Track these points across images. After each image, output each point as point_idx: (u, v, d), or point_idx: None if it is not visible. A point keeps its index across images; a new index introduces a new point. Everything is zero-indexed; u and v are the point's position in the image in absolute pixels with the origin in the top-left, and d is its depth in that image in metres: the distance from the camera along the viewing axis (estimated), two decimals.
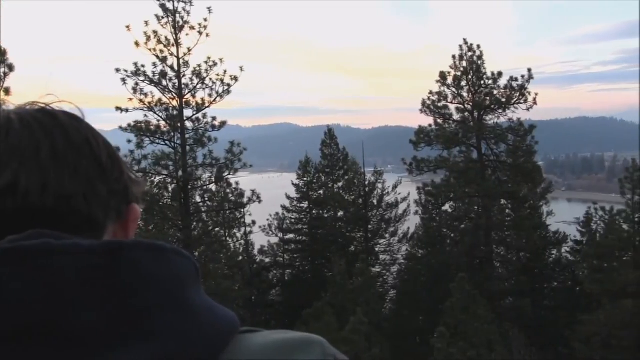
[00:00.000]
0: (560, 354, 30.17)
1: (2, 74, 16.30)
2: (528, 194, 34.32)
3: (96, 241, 0.90)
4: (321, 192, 41.09)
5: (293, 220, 40.87)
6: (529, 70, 34.00)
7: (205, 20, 25.52)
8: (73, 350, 0.81)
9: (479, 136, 34.23)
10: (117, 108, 25.40)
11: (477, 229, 35.03)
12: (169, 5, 25.41)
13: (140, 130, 25.63)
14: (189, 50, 25.91)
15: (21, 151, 0.98)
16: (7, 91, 16.36)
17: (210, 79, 26.20)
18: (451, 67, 34.63)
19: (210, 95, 26.34)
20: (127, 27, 24.74)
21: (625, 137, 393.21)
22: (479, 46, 34.42)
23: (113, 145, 1.13)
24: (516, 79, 33.77)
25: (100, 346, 0.82)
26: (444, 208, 36.90)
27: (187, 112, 26.60)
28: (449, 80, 34.54)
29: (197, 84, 26.20)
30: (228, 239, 32.53)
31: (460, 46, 34.54)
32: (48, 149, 1.00)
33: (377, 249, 41.38)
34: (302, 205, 41.03)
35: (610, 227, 30.86)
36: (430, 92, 34.86)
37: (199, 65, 26.06)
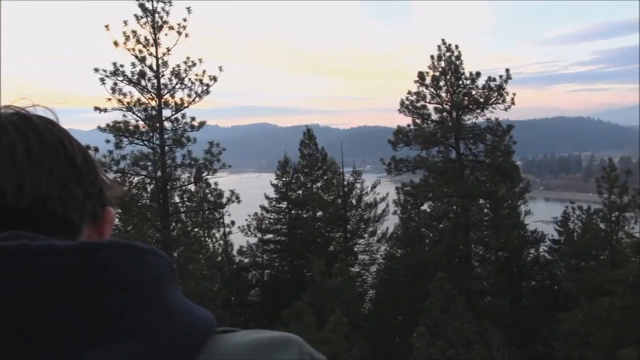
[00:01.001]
0: (539, 352, 30.33)
1: None
2: (506, 194, 34.46)
3: (72, 242, 0.90)
4: (300, 192, 41.06)
5: (272, 221, 40.84)
6: (507, 70, 34.12)
7: (185, 20, 25.42)
8: (51, 350, 0.82)
9: (457, 136, 34.31)
10: (96, 108, 25.27)
11: (455, 228, 35.11)
12: (148, 5, 25.30)
13: (119, 130, 25.50)
14: (168, 50, 25.79)
15: None
16: None
17: (189, 79, 26.10)
18: (430, 68, 34.72)
19: (189, 96, 26.24)
20: (106, 26, 24.63)
21: (602, 137, 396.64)
22: (457, 46, 34.55)
23: (92, 145, 1.15)
24: (494, 79, 33.88)
25: (79, 346, 0.83)
26: (422, 208, 36.96)
27: (166, 112, 26.49)
28: (428, 80, 34.63)
29: (176, 84, 26.08)
30: (207, 239, 32.41)
31: (439, 46, 34.62)
32: (23, 152, 1.00)
33: (356, 249, 41.42)
34: (281, 205, 41.01)
35: (588, 226, 31.11)
36: (409, 92, 34.95)
37: (178, 66, 25.94)
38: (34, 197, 0.98)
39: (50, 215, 1.00)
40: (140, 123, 26.22)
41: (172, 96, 26.30)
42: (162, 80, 25.97)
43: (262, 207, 40.80)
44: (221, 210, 30.61)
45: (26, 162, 0.99)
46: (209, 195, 28.47)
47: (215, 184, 28.24)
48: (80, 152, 1.09)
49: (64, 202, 1.02)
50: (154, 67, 25.77)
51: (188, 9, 25.51)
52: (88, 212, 1.07)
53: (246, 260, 40.18)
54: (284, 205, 40.87)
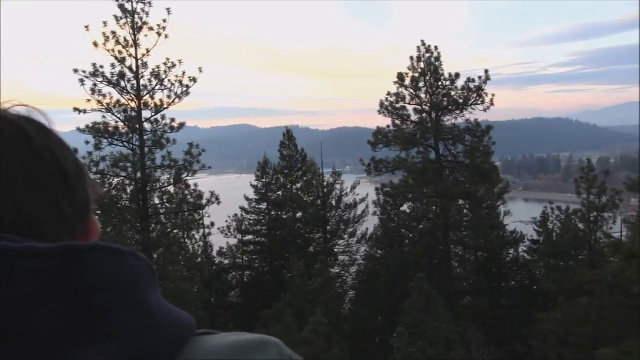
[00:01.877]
0: (518, 351, 30.46)
1: None
2: (485, 194, 34.60)
3: (53, 244, 0.89)
4: (280, 193, 40.98)
5: (252, 222, 40.72)
6: (486, 71, 34.33)
7: (164, 21, 25.38)
8: (33, 352, 0.82)
9: (437, 137, 34.42)
10: (75, 109, 25.13)
11: (435, 229, 35.22)
12: (128, 6, 25.24)
13: (98, 131, 25.40)
14: (148, 51, 25.73)
15: None
16: None
17: (169, 80, 26.05)
18: (409, 69, 34.83)
19: (169, 97, 26.19)
20: (86, 27, 24.54)
21: (581, 137, 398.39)
22: (436, 48, 34.69)
23: (71, 147, 1.13)
24: (473, 80, 34.05)
25: (60, 348, 0.83)
26: (402, 208, 37.06)
27: (146, 114, 26.42)
28: (407, 81, 34.75)
29: (156, 85, 26.02)
30: (187, 240, 32.33)
31: (418, 48, 34.75)
32: (19, 171, 0.96)
33: (336, 250, 41.37)
34: (260, 206, 40.90)
35: (566, 226, 31.27)
36: (388, 93, 35.05)
37: (158, 67, 25.87)
38: (27, 220, 0.96)
39: (41, 237, 0.95)
40: (120, 124, 26.17)
41: (152, 97, 26.26)
42: (141, 82, 25.91)
43: (242, 209, 40.68)
44: (201, 212, 30.56)
45: (22, 183, 0.96)
46: (189, 197, 28.40)
47: (195, 185, 28.20)
48: (72, 164, 1.06)
49: (55, 223, 1.00)
50: (134, 68, 25.70)
51: (168, 9, 25.46)
52: (76, 228, 1.05)
53: (226, 262, 40.07)
54: (263, 206, 40.76)
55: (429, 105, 34.61)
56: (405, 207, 37.04)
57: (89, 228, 1.09)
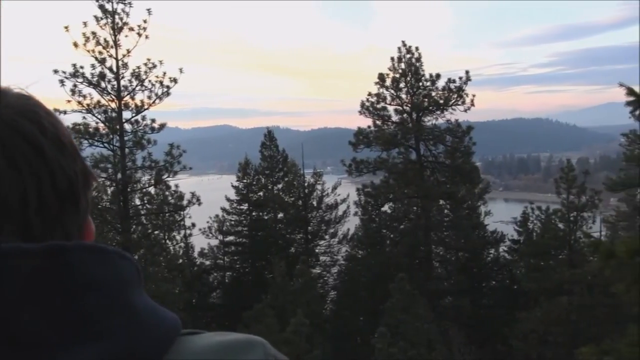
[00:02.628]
0: (499, 351, 30.57)
1: None
2: (466, 195, 34.69)
3: (38, 244, 0.88)
4: (261, 194, 40.92)
5: (233, 222, 40.63)
6: (467, 72, 34.36)
7: (145, 21, 25.24)
8: (18, 352, 0.81)
9: (418, 137, 34.46)
10: (55, 110, 24.72)
11: (416, 229, 35.26)
12: (108, 6, 25.11)
13: (78, 132, 25.20)
14: (128, 51, 25.59)
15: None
16: None
17: (150, 80, 25.90)
18: (390, 69, 34.82)
19: (149, 97, 26.04)
20: (66, 27, 24.41)
21: (561, 138, 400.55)
22: (417, 48, 34.70)
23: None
24: (454, 81, 34.12)
25: (45, 349, 0.82)
26: (383, 209, 37.04)
27: (126, 114, 26.26)
28: (388, 82, 34.76)
29: (136, 85, 25.88)
30: (168, 241, 32.15)
31: (399, 48, 34.74)
32: (34, 196, 0.93)
33: (317, 250, 41.39)
34: (241, 207, 40.83)
35: (546, 226, 31.43)
36: (369, 94, 35.05)
37: (138, 67, 25.73)
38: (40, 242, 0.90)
39: (32, 238, 0.93)
40: (100, 125, 26.00)
41: (133, 98, 26.11)
42: (122, 82, 25.76)
43: (223, 209, 40.59)
44: (182, 213, 30.53)
45: (37, 215, 0.93)
46: (170, 198, 28.36)
47: (176, 186, 28.17)
48: (82, 172, 1.05)
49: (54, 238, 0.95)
50: (114, 69, 25.55)
51: (148, 10, 25.34)
52: (74, 235, 1.02)
53: (207, 263, 40.00)
54: (245, 207, 40.69)
55: (409, 105, 34.63)
56: (386, 208, 37.03)
57: (85, 229, 1.07)
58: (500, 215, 50.40)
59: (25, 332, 0.82)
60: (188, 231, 34.79)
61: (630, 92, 10.89)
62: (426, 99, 34.40)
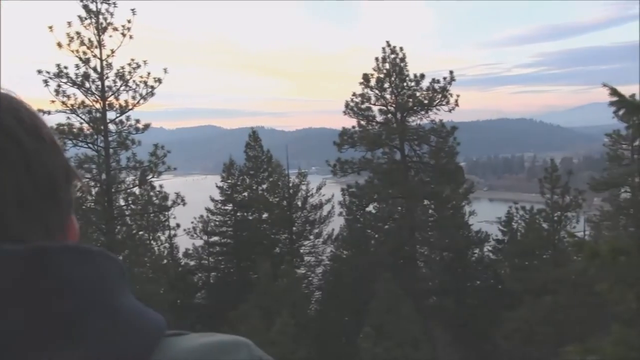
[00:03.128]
0: (484, 350, 30.68)
1: None
2: (450, 195, 34.69)
3: (20, 246, 0.86)
4: (245, 194, 40.82)
5: (217, 223, 40.53)
6: (451, 72, 34.34)
7: (129, 21, 25.20)
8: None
9: (402, 137, 34.47)
10: (39, 110, 24.70)
11: (400, 229, 35.27)
12: (92, 7, 25.04)
13: (62, 132, 25.08)
14: (112, 52, 25.53)
15: None
16: None
17: (134, 81, 25.88)
18: (374, 70, 34.80)
19: (133, 98, 26.02)
20: (50, 27, 24.32)
21: (545, 138, 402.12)
22: (401, 49, 34.68)
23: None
24: (438, 81, 34.10)
25: (26, 351, 0.81)
26: (367, 209, 37.04)
27: (111, 115, 26.22)
28: (372, 82, 34.72)
29: (121, 86, 25.84)
30: (152, 242, 32.08)
31: (383, 49, 34.71)
32: (13, 192, 0.90)
33: (301, 251, 41.28)
34: (226, 207, 40.73)
35: (531, 226, 31.59)
36: (354, 94, 35.01)
37: (123, 67, 25.69)
38: (16, 241, 0.89)
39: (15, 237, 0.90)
40: (85, 125, 25.94)
41: (117, 98, 26.07)
42: (106, 82, 25.72)
43: (208, 210, 40.49)
44: (166, 213, 30.49)
45: (16, 209, 0.91)
46: (154, 198, 28.32)
47: (161, 186, 28.13)
48: (64, 173, 1.02)
49: (39, 238, 0.93)
50: (98, 69, 25.50)
51: (132, 10, 25.32)
52: (56, 233, 0.98)
53: (192, 263, 39.89)
54: (229, 207, 40.59)
55: (394, 105, 34.63)
56: (370, 208, 37.04)
57: (68, 228, 1.04)
58: (485, 215, 50.45)
59: (5, 335, 0.81)
60: (173, 232, 34.76)
61: (614, 92, 10.94)
62: (410, 99, 34.39)
